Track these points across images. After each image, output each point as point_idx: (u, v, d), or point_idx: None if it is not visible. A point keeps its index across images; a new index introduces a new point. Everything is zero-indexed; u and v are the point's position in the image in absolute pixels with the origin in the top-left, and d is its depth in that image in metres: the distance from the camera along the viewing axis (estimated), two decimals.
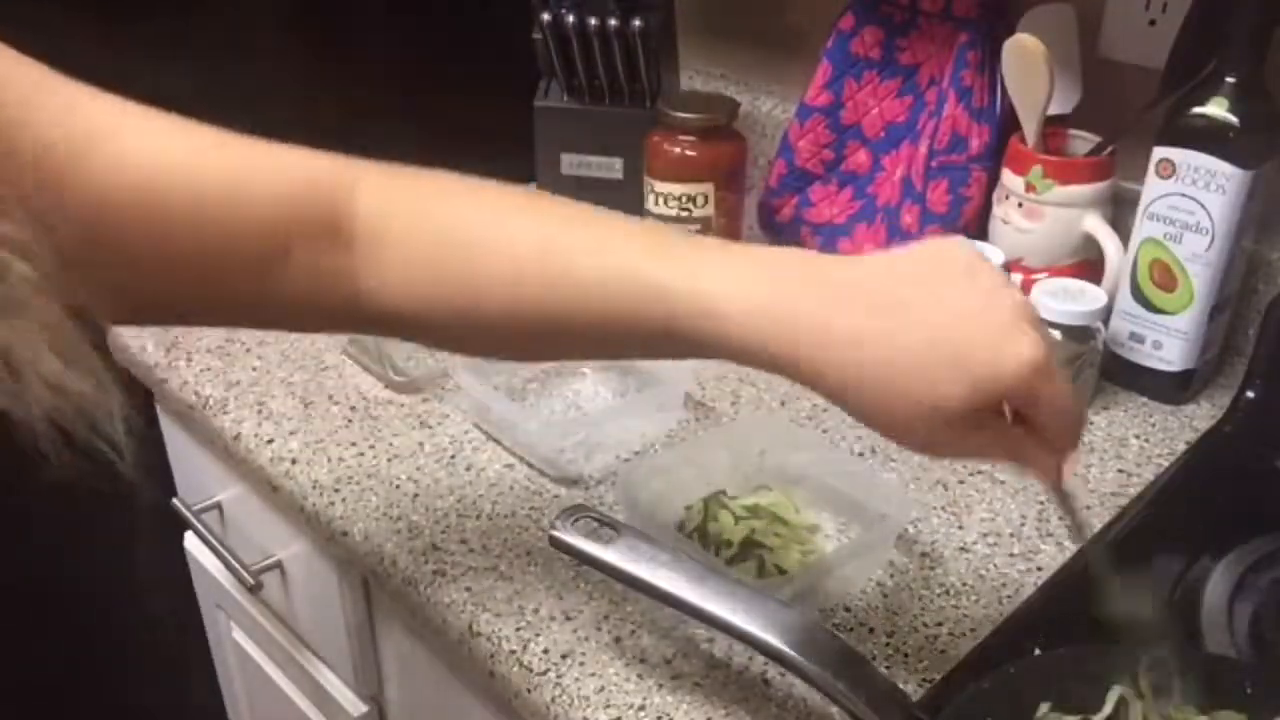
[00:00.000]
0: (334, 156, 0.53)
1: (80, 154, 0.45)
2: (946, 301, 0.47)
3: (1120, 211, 0.89)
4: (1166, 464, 0.79)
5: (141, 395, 0.97)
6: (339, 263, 0.52)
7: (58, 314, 0.38)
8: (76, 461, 0.39)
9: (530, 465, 0.78)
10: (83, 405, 0.39)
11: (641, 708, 0.60)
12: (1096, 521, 0.73)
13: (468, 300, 0.52)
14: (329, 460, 0.79)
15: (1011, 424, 0.50)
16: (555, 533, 0.58)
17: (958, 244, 0.50)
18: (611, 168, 1.06)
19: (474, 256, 0.53)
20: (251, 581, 0.88)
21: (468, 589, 0.68)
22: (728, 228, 0.96)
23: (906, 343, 0.46)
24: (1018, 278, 0.90)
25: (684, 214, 0.94)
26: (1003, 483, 0.77)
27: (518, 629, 0.65)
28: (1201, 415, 0.85)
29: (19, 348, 0.37)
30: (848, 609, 0.67)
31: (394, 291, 0.53)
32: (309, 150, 0.53)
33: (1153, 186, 0.81)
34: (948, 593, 0.68)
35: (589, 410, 0.85)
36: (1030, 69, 0.85)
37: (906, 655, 0.63)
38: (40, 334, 0.38)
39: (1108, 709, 0.53)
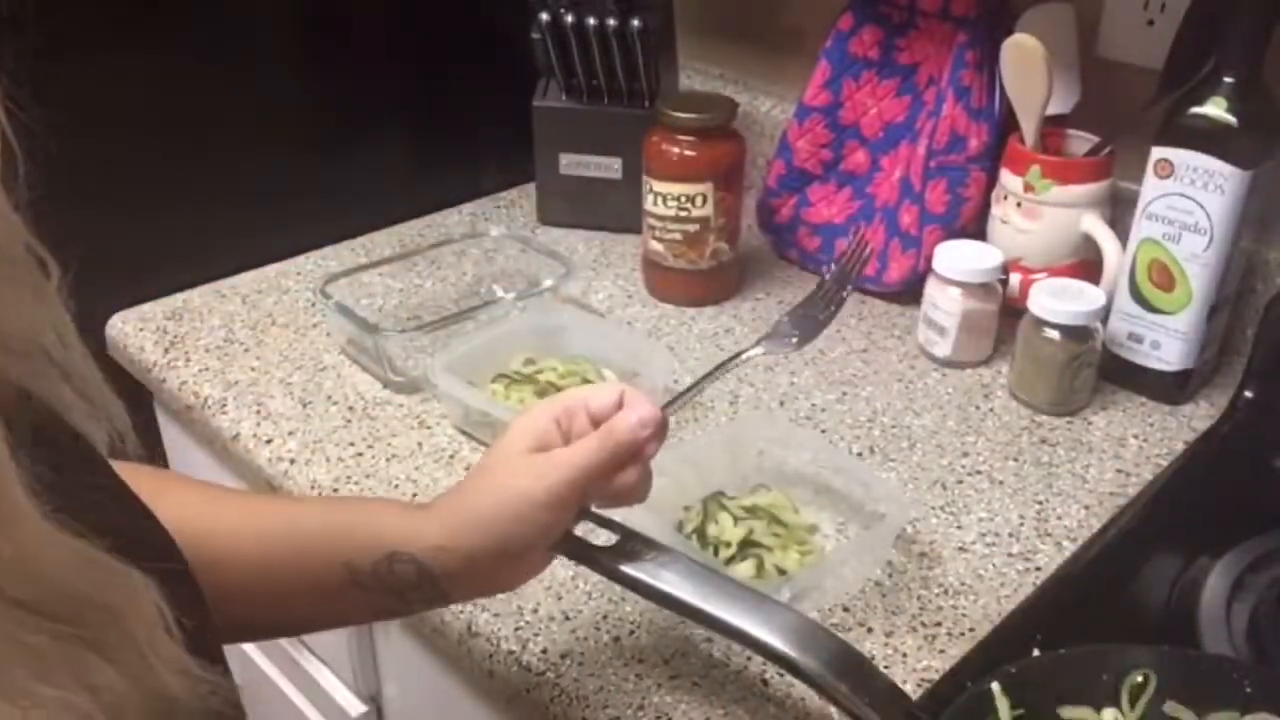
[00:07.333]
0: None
1: None
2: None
3: (1119, 211, 0.89)
4: (1165, 464, 0.79)
5: (140, 395, 0.96)
6: None
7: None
8: None
9: None
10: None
11: (640, 708, 0.60)
12: (1095, 521, 0.73)
13: None
14: (328, 460, 0.79)
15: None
16: None
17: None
18: (610, 168, 1.06)
19: None
20: None
21: None
22: (727, 227, 0.96)
23: None
24: (1017, 277, 0.90)
25: (683, 214, 0.94)
26: (1001, 483, 0.77)
27: (516, 629, 0.65)
28: (1200, 415, 0.85)
29: None
30: (847, 609, 0.67)
31: None
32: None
33: (1151, 186, 0.81)
34: (946, 593, 0.68)
35: None
36: (1029, 69, 0.85)
37: (906, 655, 0.63)
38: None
39: (1107, 709, 0.53)
